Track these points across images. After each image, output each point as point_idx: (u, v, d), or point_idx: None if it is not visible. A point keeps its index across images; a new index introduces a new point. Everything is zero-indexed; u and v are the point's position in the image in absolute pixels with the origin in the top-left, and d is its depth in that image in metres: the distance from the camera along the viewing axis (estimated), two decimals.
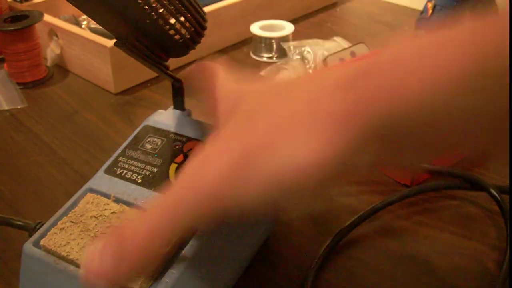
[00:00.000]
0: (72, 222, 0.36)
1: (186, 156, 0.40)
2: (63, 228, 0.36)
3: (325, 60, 0.70)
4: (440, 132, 0.25)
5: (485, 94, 0.23)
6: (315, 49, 0.74)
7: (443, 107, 0.24)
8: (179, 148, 0.41)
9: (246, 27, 0.82)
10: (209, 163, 0.28)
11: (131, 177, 0.39)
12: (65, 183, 0.55)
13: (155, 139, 0.42)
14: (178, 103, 0.44)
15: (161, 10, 0.34)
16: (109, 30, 0.36)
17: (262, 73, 0.74)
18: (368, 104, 0.25)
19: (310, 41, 0.77)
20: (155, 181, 0.39)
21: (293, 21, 0.86)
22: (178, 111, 0.44)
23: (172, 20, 0.35)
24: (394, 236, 0.47)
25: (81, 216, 0.36)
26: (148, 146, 0.41)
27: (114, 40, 0.36)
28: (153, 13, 0.33)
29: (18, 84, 0.74)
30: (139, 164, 0.40)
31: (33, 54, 0.74)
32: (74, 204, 0.38)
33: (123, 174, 0.39)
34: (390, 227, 0.48)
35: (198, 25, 0.38)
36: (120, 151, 0.42)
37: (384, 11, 0.98)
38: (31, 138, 0.62)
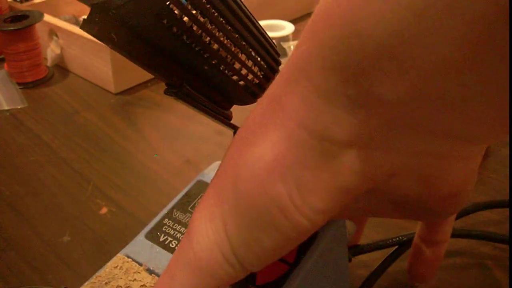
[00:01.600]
0: None
1: None
2: None
3: None
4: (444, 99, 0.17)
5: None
6: None
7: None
8: None
9: None
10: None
11: (176, 248, 0.32)
12: (65, 183, 0.55)
13: None
14: None
15: (223, 55, 0.28)
16: (158, 76, 0.29)
17: None
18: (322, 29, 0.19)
19: None
20: None
21: (293, 21, 0.86)
22: None
23: (237, 65, 0.29)
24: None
25: (105, 284, 0.31)
26: None
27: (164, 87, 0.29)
28: (214, 60, 0.28)
29: (18, 84, 0.74)
30: None
31: (33, 54, 0.74)
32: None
33: (166, 243, 0.33)
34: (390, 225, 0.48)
35: (268, 68, 0.32)
36: (166, 211, 0.35)
37: None
38: (31, 138, 0.62)
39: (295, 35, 0.82)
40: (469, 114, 0.18)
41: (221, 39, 0.27)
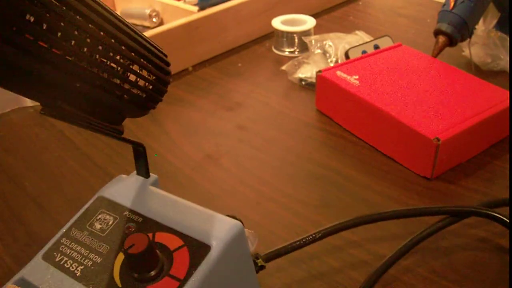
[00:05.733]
0: None
1: (126, 253, 0.28)
2: None
3: (347, 52, 0.70)
4: None
5: None
6: (337, 43, 0.73)
7: None
8: (131, 232, 0.32)
9: (268, 21, 0.82)
10: None
11: (71, 268, 0.31)
12: (88, 178, 0.55)
13: (107, 217, 0.33)
14: (141, 168, 0.37)
15: (113, 65, 0.27)
16: (31, 98, 0.27)
17: (284, 67, 0.73)
18: None
19: (331, 34, 0.76)
20: (96, 276, 0.30)
21: (314, 15, 0.85)
22: (141, 179, 0.36)
23: (132, 77, 0.28)
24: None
25: None
26: (98, 225, 0.33)
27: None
28: (105, 73, 0.27)
29: None
30: (83, 251, 0.32)
31: None
32: None
33: (62, 263, 0.31)
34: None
35: (157, 80, 0.31)
36: (65, 230, 0.33)
37: (407, 4, 0.97)
38: (55, 134, 0.63)
39: (317, 29, 0.81)
40: None
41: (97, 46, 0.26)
